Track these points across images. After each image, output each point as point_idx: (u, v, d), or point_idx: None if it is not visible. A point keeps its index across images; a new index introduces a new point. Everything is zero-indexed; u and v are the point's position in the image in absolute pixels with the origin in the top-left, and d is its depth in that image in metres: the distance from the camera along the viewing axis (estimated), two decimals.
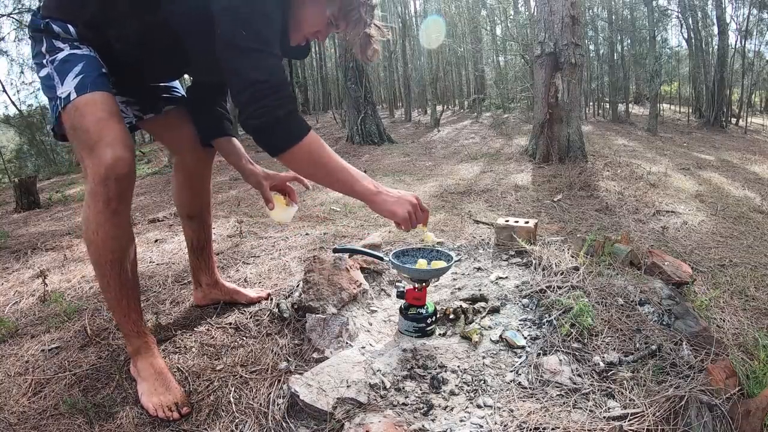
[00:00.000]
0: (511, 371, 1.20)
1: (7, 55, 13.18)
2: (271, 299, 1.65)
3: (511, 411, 1.05)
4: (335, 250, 1.55)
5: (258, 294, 1.67)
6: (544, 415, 1.03)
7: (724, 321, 1.58)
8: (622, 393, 1.09)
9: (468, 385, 1.15)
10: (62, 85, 1.08)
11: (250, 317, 1.56)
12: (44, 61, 1.11)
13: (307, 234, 2.58)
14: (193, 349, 1.38)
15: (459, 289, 1.70)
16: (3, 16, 10.23)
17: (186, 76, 1.43)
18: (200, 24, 1.09)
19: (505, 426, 1.01)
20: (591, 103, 13.22)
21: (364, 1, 1.15)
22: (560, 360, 1.21)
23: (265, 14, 1.03)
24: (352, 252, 1.58)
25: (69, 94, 1.06)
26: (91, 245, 1.12)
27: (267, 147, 1.08)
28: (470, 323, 1.43)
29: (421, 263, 1.42)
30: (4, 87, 11.00)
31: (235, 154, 1.42)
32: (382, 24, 1.23)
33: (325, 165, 1.13)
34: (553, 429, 0.98)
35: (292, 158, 1.09)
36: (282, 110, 1.04)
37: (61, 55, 1.09)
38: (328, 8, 1.15)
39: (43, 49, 1.11)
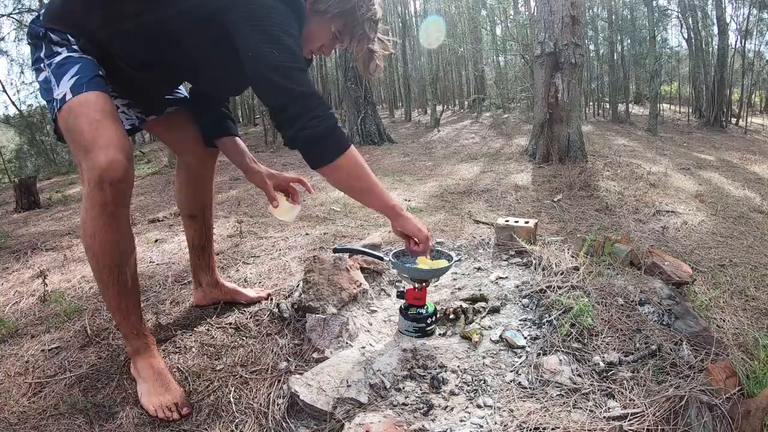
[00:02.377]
0: (511, 371, 1.20)
1: (7, 55, 13.17)
2: (271, 299, 1.65)
3: (511, 411, 1.05)
4: (335, 250, 1.55)
5: (258, 294, 1.67)
6: (544, 415, 1.03)
7: (724, 321, 1.58)
8: (622, 393, 1.09)
9: (468, 385, 1.15)
10: (58, 86, 1.07)
11: (250, 317, 1.56)
12: (42, 65, 1.11)
13: (307, 234, 2.58)
14: (193, 349, 1.38)
15: (459, 289, 1.70)
16: (3, 16, 10.23)
17: None
18: (200, 27, 1.09)
19: (505, 426, 1.01)
20: (591, 103, 13.22)
21: (368, 17, 1.16)
22: (560, 360, 1.21)
23: (292, 34, 1.06)
24: (352, 252, 1.58)
25: (65, 95, 1.06)
26: (89, 250, 1.11)
27: (319, 157, 1.10)
28: (470, 323, 1.43)
29: (422, 263, 1.42)
30: (4, 87, 11.02)
31: (239, 153, 1.43)
32: (387, 39, 1.24)
33: (367, 178, 1.16)
34: (553, 429, 0.98)
35: (339, 168, 1.12)
36: (334, 119, 1.09)
37: (58, 59, 1.09)
38: (333, 24, 1.17)
39: (42, 54, 1.12)
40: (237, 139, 1.45)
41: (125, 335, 1.23)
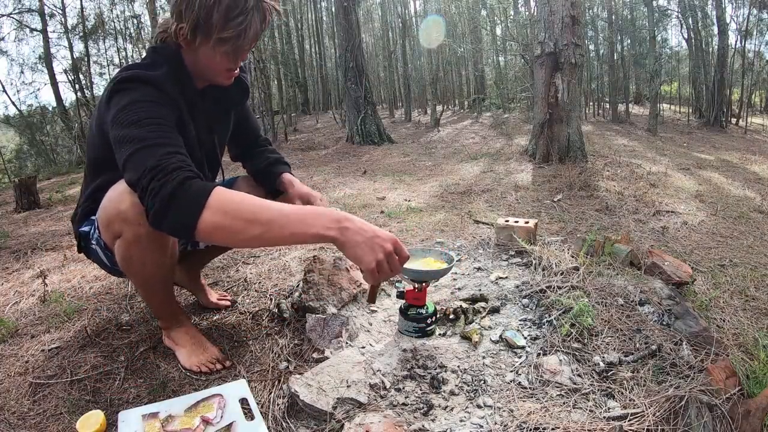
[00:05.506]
0: (511, 371, 1.20)
1: (7, 55, 13.17)
2: (272, 299, 1.65)
3: (511, 411, 1.05)
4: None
5: (219, 301, 1.66)
6: (544, 415, 1.03)
7: (724, 321, 1.58)
8: (622, 393, 1.09)
9: (468, 385, 1.15)
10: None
11: (250, 317, 1.56)
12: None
13: None
14: None
15: (459, 289, 1.70)
16: (3, 16, 10.23)
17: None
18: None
19: (505, 426, 1.01)
20: (591, 103, 13.21)
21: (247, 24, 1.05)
22: (560, 360, 1.21)
23: (138, 113, 1.00)
24: None
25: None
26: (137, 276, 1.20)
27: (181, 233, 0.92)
28: (470, 323, 1.43)
29: (422, 263, 1.42)
30: (4, 87, 11.02)
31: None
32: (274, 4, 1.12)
33: (251, 212, 0.89)
34: (553, 429, 0.98)
35: (206, 228, 0.89)
36: (170, 187, 0.89)
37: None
38: (215, 49, 1.09)
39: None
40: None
41: (160, 316, 1.35)
